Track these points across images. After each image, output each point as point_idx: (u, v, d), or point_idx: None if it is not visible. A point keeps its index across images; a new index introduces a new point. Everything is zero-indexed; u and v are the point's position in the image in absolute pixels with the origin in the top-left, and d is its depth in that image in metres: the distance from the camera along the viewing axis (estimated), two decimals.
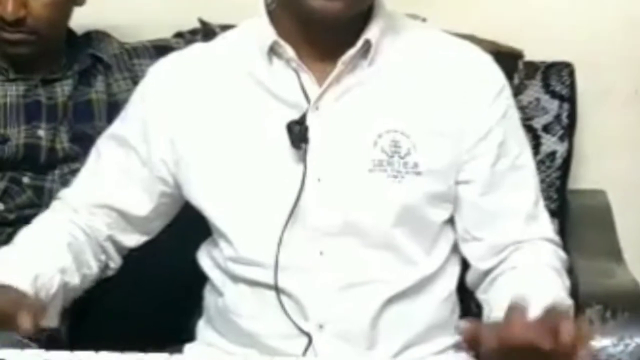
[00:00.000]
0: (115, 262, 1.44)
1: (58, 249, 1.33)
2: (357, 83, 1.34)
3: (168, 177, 1.40)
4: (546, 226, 1.38)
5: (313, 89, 1.33)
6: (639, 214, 1.98)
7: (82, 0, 1.72)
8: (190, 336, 1.46)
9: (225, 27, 1.69)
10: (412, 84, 1.35)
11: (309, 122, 1.31)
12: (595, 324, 1.40)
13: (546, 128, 1.86)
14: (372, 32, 1.33)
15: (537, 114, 1.86)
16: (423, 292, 1.35)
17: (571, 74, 1.87)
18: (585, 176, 1.97)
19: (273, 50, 1.34)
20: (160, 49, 1.78)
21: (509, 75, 1.53)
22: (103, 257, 1.41)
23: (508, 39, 1.86)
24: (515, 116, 1.41)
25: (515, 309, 1.05)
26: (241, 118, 1.35)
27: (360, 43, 1.32)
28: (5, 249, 1.33)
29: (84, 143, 1.61)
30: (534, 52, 1.89)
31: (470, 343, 1.07)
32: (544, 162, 1.84)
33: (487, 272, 1.36)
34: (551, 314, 1.05)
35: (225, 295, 1.39)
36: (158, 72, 1.44)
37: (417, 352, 1.35)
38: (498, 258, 1.35)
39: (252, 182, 1.33)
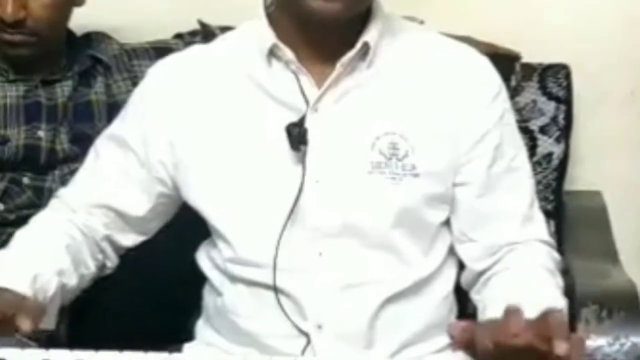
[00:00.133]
0: (113, 262, 1.44)
1: (56, 250, 1.33)
2: (356, 85, 1.34)
3: (166, 178, 1.40)
4: (541, 228, 1.39)
5: (312, 91, 1.33)
6: (635, 215, 1.99)
7: (82, 1, 1.73)
8: (189, 336, 1.46)
9: (225, 29, 1.70)
10: (410, 86, 1.35)
11: (308, 124, 1.32)
12: (591, 323, 1.40)
13: (543, 130, 1.86)
14: (370, 35, 1.33)
15: (533, 115, 1.86)
16: (421, 293, 1.36)
17: (568, 76, 1.88)
18: (582, 177, 1.97)
19: (272, 53, 1.34)
20: (159, 50, 1.79)
21: (506, 77, 1.53)
22: (100, 257, 1.42)
23: (505, 41, 1.87)
24: (511, 119, 1.41)
25: (512, 311, 1.06)
26: (240, 120, 1.36)
27: (359, 45, 1.33)
28: (3, 251, 1.33)
29: (83, 144, 1.61)
30: (530, 54, 1.90)
31: (464, 343, 1.07)
32: (540, 163, 1.85)
33: (481, 273, 1.37)
34: (547, 317, 1.05)
35: (224, 295, 1.40)
36: (157, 74, 1.44)
37: (414, 351, 1.35)
38: (492, 259, 1.35)
39: (251, 184, 1.34)
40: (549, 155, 1.86)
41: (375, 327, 1.34)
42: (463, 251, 1.38)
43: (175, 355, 1.11)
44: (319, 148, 1.32)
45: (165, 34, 1.89)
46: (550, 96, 1.87)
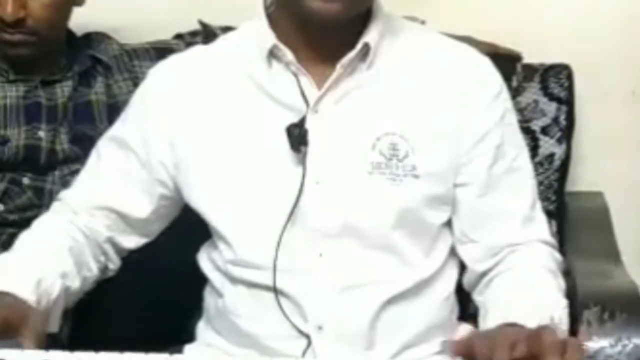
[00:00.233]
0: (115, 264, 1.44)
1: (59, 253, 1.33)
2: (356, 86, 1.34)
3: (167, 179, 1.40)
4: (542, 228, 1.38)
5: (312, 92, 1.33)
6: (637, 216, 1.99)
7: (82, 1, 1.73)
8: (190, 337, 1.46)
9: (225, 29, 1.70)
10: (411, 86, 1.35)
11: (308, 125, 1.32)
12: (593, 325, 1.40)
13: (544, 130, 1.86)
14: (370, 35, 1.33)
15: (535, 116, 1.86)
16: (422, 294, 1.36)
17: (569, 76, 1.88)
18: (583, 178, 1.97)
19: (272, 54, 1.34)
20: (160, 51, 1.78)
21: (507, 78, 1.53)
22: (102, 259, 1.42)
23: (506, 41, 1.86)
24: (513, 119, 1.41)
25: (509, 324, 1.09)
26: (241, 121, 1.36)
27: (359, 46, 1.32)
28: (6, 254, 1.33)
29: (84, 144, 1.61)
30: (532, 54, 1.89)
31: (463, 355, 1.09)
32: (542, 164, 1.84)
33: (483, 274, 1.36)
34: (540, 333, 1.07)
35: (224, 297, 1.39)
36: (158, 75, 1.44)
37: (415, 353, 1.35)
38: (494, 260, 1.35)
39: (252, 185, 1.34)
40: (550, 156, 1.85)
41: (376, 328, 1.33)
42: (464, 252, 1.38)
43: (176, 356, 1.11)
44: (319, 149, 1.32)
45: (165, 34, 1.89)
46: (552, 97, 1.86)
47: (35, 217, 1.44)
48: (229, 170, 1.35)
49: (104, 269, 1.42)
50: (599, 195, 1.93)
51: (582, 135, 1.94)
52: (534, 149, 1.82)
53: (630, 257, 1.70)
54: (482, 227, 1.36)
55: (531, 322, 1.15)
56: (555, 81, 1.87)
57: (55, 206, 1.44)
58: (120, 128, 1.44)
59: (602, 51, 1.97)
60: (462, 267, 1.41)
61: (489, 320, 1.24)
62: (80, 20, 1.77)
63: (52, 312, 1.27)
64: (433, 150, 1.33)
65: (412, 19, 1.60)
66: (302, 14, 1.29)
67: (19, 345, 1.13)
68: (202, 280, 1.45)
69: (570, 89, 1.87)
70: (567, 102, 1.87)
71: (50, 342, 1.20)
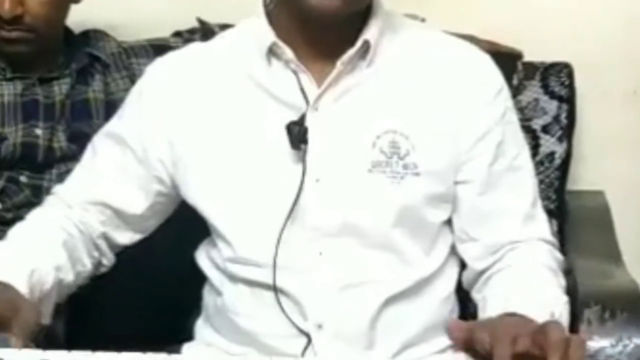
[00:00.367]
0: (109, 260, 1.43)
1: (53, 245, 1.33)
2: (356, 84, 1.33)
3: (165, 176, 1.40)
4: (543, 227, 1.38)
5: (312, 90, 1.33)
6: (638, 215, 1.99)
7: None
8: (189, 336, 1.46)
9: (224, 27, 1.69)
10: (411, 84, 1.35)
11: (308, 123, 1.31)
12: (593, 324, 1.39)
13: (545, 129, 1.86)
14: (370, 33, 1.33)
15: (536, 114, 1.86)
16: (422, 293, 1.35)
17: (570, 74, 1.87)
18: (584, 177, 1.97)
19: (272, 51, 1.34)
20: (158, 48, 1.78)
21: (508, 76, 1.53)
22: (96, 254, 1.41)
23: (507, 40, 1.86)
24: (513, 117, 1.40)
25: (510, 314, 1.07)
26: (240, 119, 1.35)
27: (359, 43, 1.32)
28: (0, 244, 1.33)
29: (81, 142, 1.60)
30: (533, 53, 1.89)
31: (463, 343, 1.08)
32: (542, 162, 1.84)
33: (482, 272, 1.36)
34: (546, 328, 1.07)
35: (223, 295, 1.39)
36: (155, 71, 1.44)
37: (415, 352, 1.35)
38: (494, 258, 1.35)
39: (251, 183, 1.33)
40: (551, 155, 1.85)
41: (376, 328, 1.33)
42: (464, 250, 1.38)
43: (174, 356, 1.11)
44: (319, 147, 1.31)
45: (163, 31, 1.88)
46: (553, 95, 1.86)
47: None
48: (228, 168, 1.34)
49: (97, 264, 1.42)
50: (599, 194, 1.93)
51: (583, 134, 1.94)
52: (534, 147, 1.82)
53: (631, 256, 1.70)
54: (482, 225, 1.35)
55: (531, 315, 1.14)
56: (556, 80, 1.87)
57: (50, 200, 1.44)
58: (117, 124, 1.44)
59: (603, 50, 1.97)
60: (462, 267, 1.40)
61: (489, 312, 1.23)
62: (78, 18, 1.77)
63: (44, 305, 1.27)
64: (433, 148, 1.33)
65: (413, 17, 1.60)
66: (302, 11, 1.28)
67: (7, 338, 1.12)
68: (201, 278, 1.44)
69: (571, 87, 1.87)
70: (568, 100, 1.87)
71: (47, 340, 1.20)
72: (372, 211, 1.32)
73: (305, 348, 1.32)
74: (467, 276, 1.39)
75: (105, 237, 1.42)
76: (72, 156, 1.66)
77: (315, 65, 1.33)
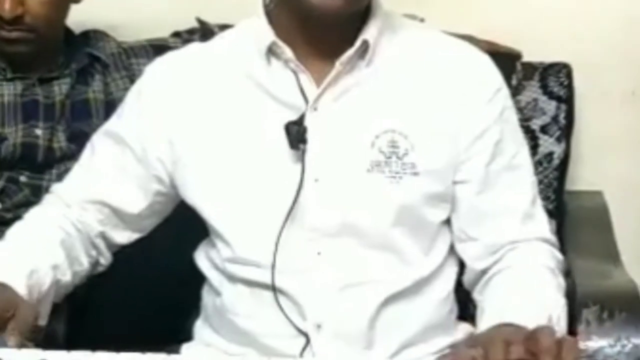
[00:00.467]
0: (106, 259, 1.43)
1: (51, 245, 1.33)
2: (355, 84, 1.33)
3: (164, 176, 1.40)
4: (543, 226, 1.38)
5: (311, 90, 1.33)
6: (636, 215, 1.99)
7: None
8: (188, 336, 1.46)
9: (223, 27, 1.69)
10: (410, 84, 1.35)
11: (307, 122, 1.31)
12: (592, 324, 1.39)
13: (544, 129, 1.86)
14: (369, 33, 1.33)
15: (534, 114, 1.86)
16: (421, 293, 1.35)
17: (569, 75, 1.87)
18: (583, 177, 1.97)
19: (271, 51, 1.34)
20: (157, 48, 1.78)
21: (507, 76, 1.53)
22: (94, 253, 1.41)
23: (506, 40, 1.86)
24: (512, 116, 1.40)
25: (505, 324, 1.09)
26: (239, 119, 1.35)
27: (358, 43, 1.32)
28: None
29: (81, 142, 1.59)
30: (532, 53, 1.89)
31: None
32: (541, 163, 1.84)
33: (482, 272, 1.36)
34: (537, 334, 1.07)
35: (222, 295, 1.39)
36: (155, 71, 1.44)
37: (414, 352, 1.35)
38: (493, 258, 1.35)
39: (250, 183, 1.33)
40: (549, 155, 1.85)
41: (375, 328, 1.33)
42: (463, 250, 1.38)
43: (173, 356, 1.11)
44: (318, 147, 1.31)
45: (163, 32, 1.89)
46: (551, 95, 1.86)
47: None
48: (227, 168, 1.34)
49: (95, 263, 1.42)
50: (598, 194, 1.92)
51: (582, 134, 1.94)
52: (533, 147, 1.82)
53: (630, 256, 1.70)
54: (481, 225, 1.35)
55: (529, 322, 1.14)
56: (555, 80, 1.87)
57: (48, 199, 1.44)
58: (116, 123, 1.44)
59: (602, 50, 1.97)
60: (461, 267, 1.40)
61: (486, 318, 1.23)
62: (78, 18, 1.77)
63: (42, 305, 1.27)
64: (432, 147, 1.33)
65: (412, 17, 1.60)
66: (303, 10, 1.28)
67: (4, 338, 1.12)
68: (200, 278, 1.44)
69: (569, 87, 1.87)
70: (567, 100, 1.87)
71: (47, 341, 1.20)
72: (371, 211, 1.32)
73: (304, 348, 1.32)
74: (467, 276, 1.39)
75: (103, 236, 1.42)
76: (72, 156, 1.66)
77: (315, 65, 1.33)
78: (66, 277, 1.33)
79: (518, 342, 1.07)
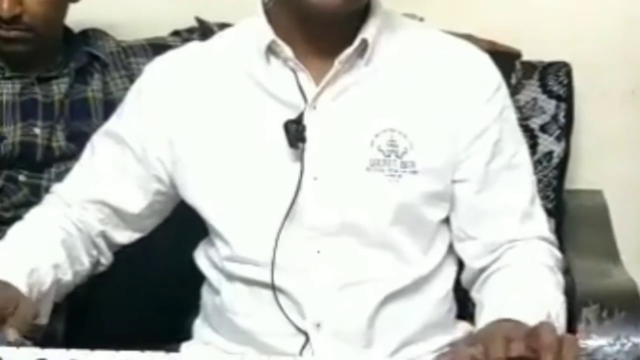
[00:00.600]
0: (107, 259, 1.43)
1: (52, 244, 1.33)
2: (354, 82, 1.33)
3: (164, 175, 1.40)
4: (542, 225, 1.38)
5: (310, 88, 1.33)
6: (636, 214, 1.99)
7: None
8: (187, 335, 1.46)
9: (223, 26, 1.70)
10: (409, 83, 1.35)
11: (306, 121, 1.31)
12: (591, 323, 1.39)
13: (543, 128, 1.85)
14: (369, 31, 1.33)
15: (534, 113, 1.85)
16: (420, 291, 1.35)
17: (568, 74, 1.87)
18: (582, 176, 1.97)
19: (270, 50, 1.34)
20: (157, 48, 1.78)
21: (507, 75, 1.53)
22: (95, 253, 1.41)
23: (505, 39, 1.86)
24: (512, 115, 1.40)
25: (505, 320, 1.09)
26: (238, 117, 1.35)
27: (357, 42, 1.32)
28: None
29: (80, 141, 1.60)
30: (531, 52, 1.89)
31: None
32: (540, 162, 1.84)
33: (481, 271, 1.36)
34: (538, 330, 1.07)
35: (221, 294, 1.39)
36: (154, 70, 1.44)
37: (413, 350, 1.35)
38: (492, 256, 1.35)
39: (250, 181, 1.33)
40: (549, 154, 1.85)
41: (375, 326, 1.33)
42: (462, 249, 1.38)
43: (172, 355, 1.11)
44: (317, 145, 1.31)
45: (162, 31, 1.89)
46: (551, 94, 1.86)
47: None
48: (226, 167, 1.34)
49: (95, 263, 1.42)
50: (598, 193, 1.92)
51: (581, 133, 1.93)
52: (532, 147, 1.81)
53: (629, 255, 1.70)
54: (480, 224, 1.35)
55: (527, 319, 1.15)
56: (555, 79, 1.86)
57: (48, 199, 1.44)
58: (116, 123, 1.44)
59: (601, 50, 1.97)
60: (460, 266, 1.40)
61: (485, 316, 1.23)
62: (77, 17, 1.77)
63: (43, 304, 1.27)
64: (432, 146, 1.33)
65: (411, 16, 1.60)
66: (302, 9, 1.28)
67: (14, 342, 1.12)
68: (199, 278, 1.44)
69: (569, 86, 1.87)
70: (566, 99, 1.86)
71: (46, 340, 1.20)
72: (370, 209, 1.32)
73: (303, 347, 1.32)
74: (466, 275, 1.39)
75: (104, 236, 1.42)
76: (71, 155, 1.66)
77: (314, 63, 1.33)
78: (67, 276, 1.33)
79: (518, 339, 1.07)
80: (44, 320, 1.27)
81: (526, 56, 1.89)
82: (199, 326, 1.45)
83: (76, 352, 1.08)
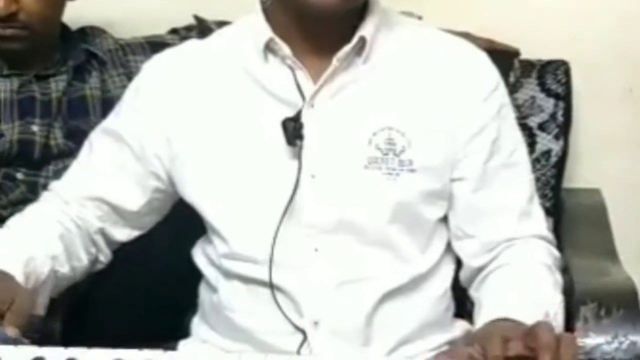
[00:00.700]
0: (106, 256, 1.43)
1: (49, 237, 1.33)
2: (352, 80, 1.33)
3: (162, 172, 1.40)
4: (540, 223, 1.38)
5: (308, 86, 1.33)
6: (634, 213, 1.99)
7: None
8: (185, 333, 1.46)
9: (221, 24, 1.69)
10: (407, 81, 1.35)
11: (304, 119, 1.31)
12: (589, 321, 1.39)
13: (541, 126, 1.85)
14: (366, 29, 1.33)
15: (532, 112, 1.85)
16: (418, 290, 1.35)
17: (567, 72, 1.87)
18: (581, 175, 1.97)
19: (268, 48, 1.34)
20: (155, 45, 1.78)
21: (505, 74, 1.53)
22: (93, 250, 1.41)
23: (504, 38, 1.86)
24: (510, 113, 1.40)
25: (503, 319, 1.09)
26: (236, 115, 1.35)
27: (355, 40, 1.32)
28: None
29: (78, 139, 1.60)
30: (529, 51, 1.89)
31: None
32: (539, 160, 1.84)
33: (479, 270, 1.36)
34: (536, 329, 1.07)
35: (219, 292, 1.39)
36: (152, 68, 1.44)
37: (411, 349, 1.35)
38: (490, 255, 1.35)
39: (247, 179, 1.33)
40: (547, 153, 1.85)
41: (372, 324, 1.33)
42: (460, 247, 1.38)
43: (169, 353, 1.11)
44: (315, 143, 1.31)
45: (160, 29, 1.89)
46: (549, 93, 1.86)
47: None
48: (224, 164, 1.34)
49: (94, 260, 1.42)
50: (596, 192, 1.92)
51: (580, 132, 1.93)
52: (531, 145, 1.82)
53: (627, 253, 1.69)
54: (478, 222, 1.35)
55: (525, 318, 1.15)
56: (553, 77, 1.86)
57: (46, 196, 1.44)
58: (114, 121, 1.44)
59: (599, 48, 1.97)
60: (458, 264, 1.40)
61: (483, 315, 1.23)
62: (75, 15, 1.76)
63: (40, 295, 1.27)
64: (430, 144, 1.33)
65: (410, 14, 1.60)
66: (300, 7, 1.28)
67: (11, 341, 1.12)
68: (197, 275, 1.44)
69: (567, 85, 1.87)
70: (565, 98, 1.86)
71: (43, 337, 1.20)
72: (368, 207, 1.32)
73: (301, 345, 1.32)
74: (464, 274, 1.39)
75: (103, 233, 1.42)
76: (69, 153, 1.66)
77: (312, 61, 1.33)
78: (64, 269, 1.33)
79: (516, 338, 1.07)
80: (41, 311, 1.27)
81: (524, 55, 1.89)
82: (197, 324, 1.45)
83: (73, 351, 1.08)
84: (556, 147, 1.86)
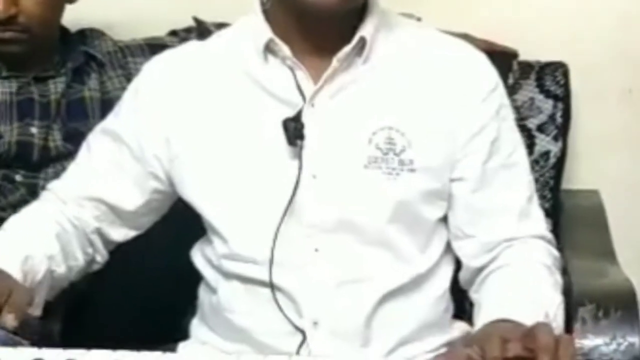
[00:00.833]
0: (102, 257, 1.43)
1: (46, 237, 1.34)
2: (352, 81, 1.34)
3: (161, 173, 1.40)
4: (539, 224, 1.38)
5: (308, 87, 1.33)
6: (632, 214, 1.99)
7: None
8: (184, 335, 1.46)
9: (220, 26, 1.69)
10: (407, 81, 1.35)
11: (305, 119, 1.31)
12: (588, 322, 1.39)
13: (540, 128, 1.85)
14: (366, 30, 1.33)
15: (531, 113, 1.85)
16: (417, 290, 1.35)
17: (565, 73, 1.87)
18: (579, 176, 1.97)
19: (268, 48, 1.34)
20: (154, 47, 1.78)
21: (504, 75, 1.53)
22: (90, 250, 1.41)
23: (503, 39, 1.86)
24: (509, 114, 1.41)
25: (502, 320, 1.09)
26: (237, 116, 1.35)
27: (355, 40, 1.32)
28: None
29: (77, 141, 1.59)
30: (528, 52, 1.89)
31: None
32: (537, 161, 1.84)
33: (479, 270, 1.36)
34: (535, 331, 1.07)
35: (218, 293, 1.39)
36: (152, 69, 1.44)
37: (410, 349, 1.35)
38: (490, 255, 1.35)
39: (248, 179, 1.33)
40: (546, 154, 1.85)
41: (372, 325, 1.33)
42: (460, 248, 1.38)
43: (168, 355, 1.11)
44: (315, 143, 1.31)
45: (159, 30, 1.89)
46: (548, 94, 1.86)
47: None
48: (225, 165, 1.34)
49: (90, 260, 1.42)
50: (594, 193, 1.92)
51: (578, 133, 1.93)
52: (529, 146, 1.82)
53: (626, 255, 1.69)
54: (478, 223, 1.35)
55: (525, 319, 1.15)
56: (552, 79, 1.87)
57: (44, 195, 1.45)
58: (113, 121, 1.44)
59: (598, 49, 1.97)
60: (458, 265, 1.40)
61: (483, 316, 1.23)
62: (74, 17, 1.76)
63: (36, 295, 1.27)
64: (429, 144, 1.33)
65: (409, 15, 1.60)
66: (300, 7, 1.28)
67: (11, 340, 1.12)
68: (197, 277, 1.44)
69: (566, 86, 1.87)
70: (564, 99, 1.87)
71: (42, 339, 1.20)
72: (368, 207, 1.32)
73: (301, 345, 1.32)
74: (464, 275, 1.39)
75: (100, 233, 1.42)
76: (68, 155, 1.66)
77: (312, 62, 1.33)
78: (61, 269, 1.33)
79: (515, 339, 1.07)
80: (37, 311, 1.27)
81: (523, 56, 1.89)
82: (196, 326, 1.45)
83: (73, 352, 1.08)
84: (555, 148, 1.86)
